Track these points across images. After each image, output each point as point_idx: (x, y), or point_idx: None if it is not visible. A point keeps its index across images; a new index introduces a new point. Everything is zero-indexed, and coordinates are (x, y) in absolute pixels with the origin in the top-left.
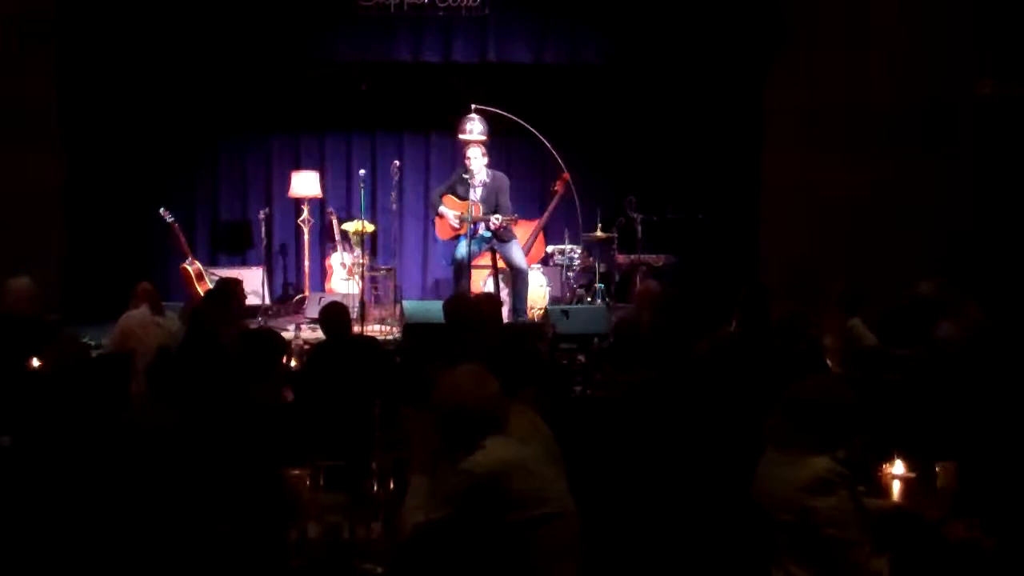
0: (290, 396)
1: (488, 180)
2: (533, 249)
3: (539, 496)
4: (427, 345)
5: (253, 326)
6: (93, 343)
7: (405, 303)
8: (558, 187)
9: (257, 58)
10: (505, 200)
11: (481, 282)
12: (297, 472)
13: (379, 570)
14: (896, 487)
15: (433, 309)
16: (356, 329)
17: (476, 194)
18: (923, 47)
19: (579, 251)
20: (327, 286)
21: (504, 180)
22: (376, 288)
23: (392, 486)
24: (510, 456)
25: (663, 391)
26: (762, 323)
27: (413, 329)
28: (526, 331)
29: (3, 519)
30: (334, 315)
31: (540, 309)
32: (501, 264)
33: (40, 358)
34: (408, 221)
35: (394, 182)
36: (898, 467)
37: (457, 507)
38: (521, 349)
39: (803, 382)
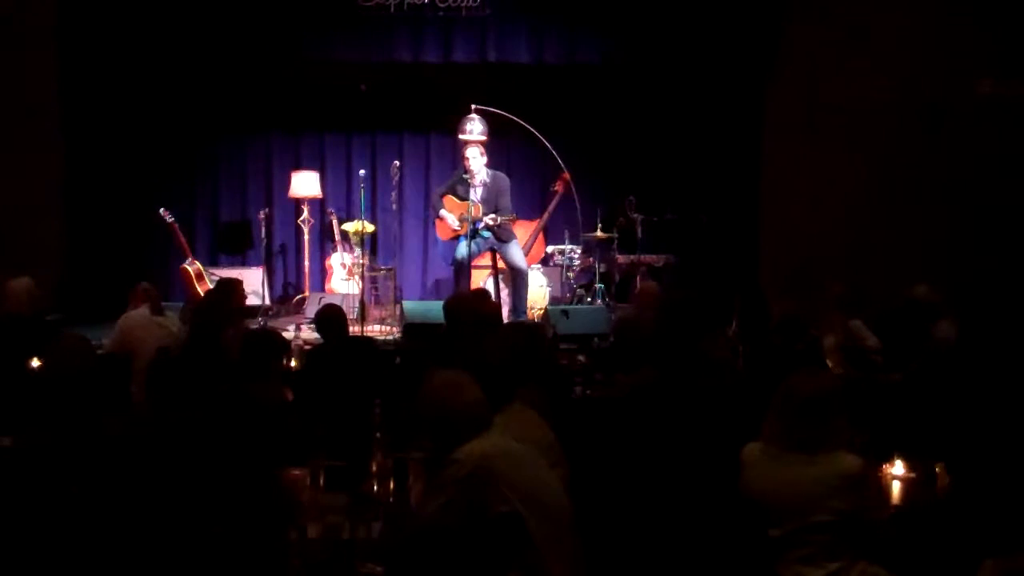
0: (290, 396)
1: (488, 180)
2: (533, 249)
3: (531, 490)
4: (427, 345)
5: (253, 326)
6: (93, 343)
7: (405, 303)
8: (558, 187)
9: (257, 58)
10: (505, 200)
11: (481, 282)
12: (297, 472)
13: (379, 570)
14: (896, 487)
15: (433, 309)
16: (356, 329)
17: (476, 194)
18: (923, 47)
19: (579, 251)
20: (327, 286)
21: (504, 180)
22: (376, 288)
23: (392, 486)
24: (502, 447)
25: (664, 391)
26: (762, 323)
27: (413, 329)
28: (527, 330)
29: (3, 519)
30: (330, 318)
31: (540, 309)
32: (501, 264)
33: (44, 358)
34: (408, 221)
35: (394, 182)
36: (898, 467)
37: (451, 495)
38: (522, 348)
39: (797, 383)
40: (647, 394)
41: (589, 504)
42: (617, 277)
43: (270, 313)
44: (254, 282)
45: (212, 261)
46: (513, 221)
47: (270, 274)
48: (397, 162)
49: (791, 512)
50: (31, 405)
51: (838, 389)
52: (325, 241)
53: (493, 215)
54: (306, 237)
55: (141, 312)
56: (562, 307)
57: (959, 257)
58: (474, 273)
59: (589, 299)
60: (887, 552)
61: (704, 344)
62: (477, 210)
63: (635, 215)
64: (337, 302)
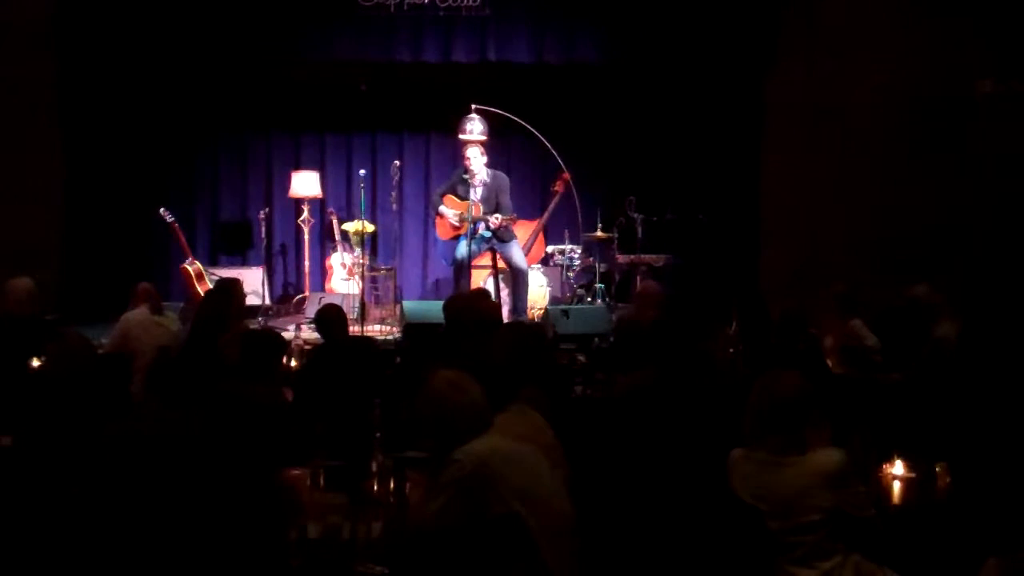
0: (290, 396)
1: (488, 180)
2: (533, 249)
3: (531, 491)
4: (427, 345)
5: (253, 326)
6: (93, 343)
7: (405, 303)
8: (558, 187)
9: (257, 58)
10: (505, 200)
11: (481, 282)
12: (297, 472)
13: (379, 570)
14: (896, 487)
15: (433, 309)
16: (356, 329)
17: (476, 194)
18: (923, 47)
19: (579, 251)
20: (327, 286)
21: (504, 180)
22: (376, 288)
23: (392, 486)
24: (502, 447)
25: (663, 391)
26: (762, 323)
27: (413, 329)
28: (528, 330)
29: (3, 519)
30: (330, 318)
31: (540, 309)
32: (501, 264)
33: (45, 357)
34: (408, 221)
35: (394, 182)
36: (898, 467)
37: (452, 496)
38: (522, 348)
39: (764, 387)
40: (647, 394)
41: (589, 504)
42: (617, 277)
43: (270, 313)
44: (254, 282)
45: (212, 261)
46: (513, 221)
47: (270, 274)
48: (397, 162)
49: (779, 514)
50: (31, 405)
51: (804, 391)
52: (325, 241)
53: (496, 216)
54: (306, 237)
55: (141, 312)
56: (562, 307)
57: (959, 256)
58: (474, 273)
59: (589, 299)
60: (879, 547)
61: (704, 344)
62: (477, 210)
63: (635, 215)
64: (337, 302)
